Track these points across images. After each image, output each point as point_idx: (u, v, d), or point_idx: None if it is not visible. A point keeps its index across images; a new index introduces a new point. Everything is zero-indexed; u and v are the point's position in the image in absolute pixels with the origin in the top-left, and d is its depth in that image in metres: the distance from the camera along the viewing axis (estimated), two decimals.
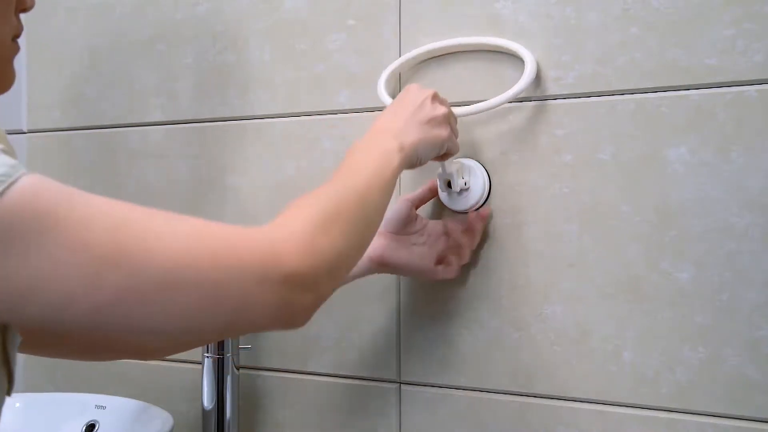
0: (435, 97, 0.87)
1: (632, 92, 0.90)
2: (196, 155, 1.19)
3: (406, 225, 0.94)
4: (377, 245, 0.92)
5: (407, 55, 1.02)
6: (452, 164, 0.95)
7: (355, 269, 0.88)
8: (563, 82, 0.94)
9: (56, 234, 0.49)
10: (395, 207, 0.94)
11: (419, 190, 0.99)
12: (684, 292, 0.88)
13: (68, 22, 1.29)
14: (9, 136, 1.33)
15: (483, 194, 0.97)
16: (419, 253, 0.94)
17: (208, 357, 1.05)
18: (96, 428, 1.08)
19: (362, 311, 1.06)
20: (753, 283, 0.85)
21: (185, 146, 1.19)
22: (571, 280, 0.94)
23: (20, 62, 1.28)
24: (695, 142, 0.87)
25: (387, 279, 1.05)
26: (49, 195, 0.50)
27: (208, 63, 1.18)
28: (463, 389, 1.01)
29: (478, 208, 0.98)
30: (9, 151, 0.50)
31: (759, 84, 0.84)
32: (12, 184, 0.48)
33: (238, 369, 1.07)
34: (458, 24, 1.00)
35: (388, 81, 1.01)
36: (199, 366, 1.07)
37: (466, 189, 0.97)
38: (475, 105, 0.94)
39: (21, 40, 0.70)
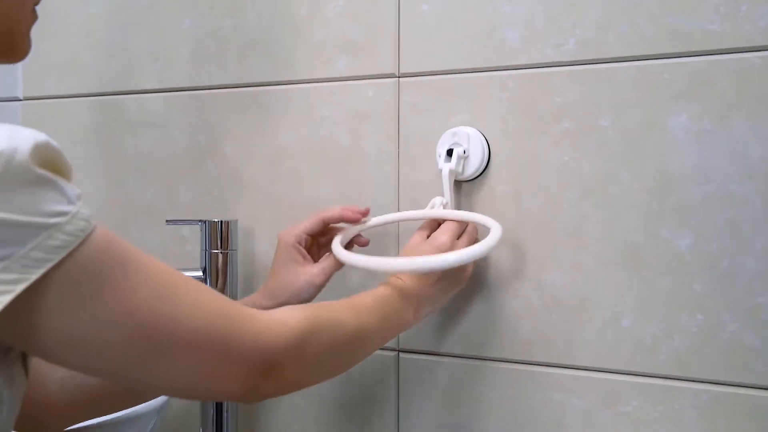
0: (470, 270, 0.93)
1: (633, 59, 0.89)
2: (193, 123, 1.18)
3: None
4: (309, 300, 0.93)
5: (376, 220, 0.98)
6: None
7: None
8: (563, 49, 0.93)
9: (108, 297, 0.52)
10: (305, 286, 0.92)
11: (320, 265, 0.93)
12: (683, 259, 0.88)
13: None
14: (5, 104, 1.33)
15: (482, 163, 0.97)
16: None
17: None
18: None
19: (361, 283, 1.06)
20: (752, 251, 0.85)
21: (182, 114, 1.19)
22: (570, 249, 0.94)
23: None
24: (696, 109, 0.87)
25: (386, 250, 1.05)
26: (112, 257, 0.53)
27: (205, 29, 1.16)
28: (462, 357, 1.01)
29: (476, 177, 0.98)
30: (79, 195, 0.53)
31: (762, 50, 0.84)
32: (87, 238, 0.51)
33: None
34: None
35: (343, 241, 0.95)
36: None
37: (465, 157, 0.97)
38: (446, 256, 0.82)
39: None
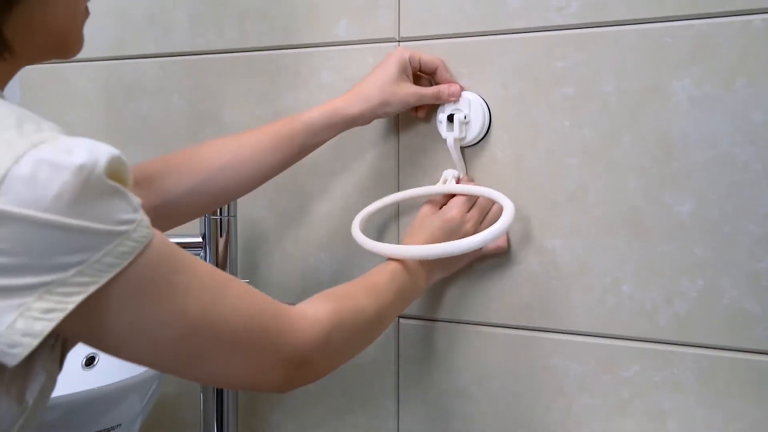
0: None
1: (636, 22, 0.88)
2: (191, 88, 1.17)
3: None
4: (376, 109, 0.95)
5: (387, 199, 1.00)
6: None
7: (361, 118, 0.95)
8: (566, 12, 0.92)
9: (165, 299, 0.56)
10: (397, 101, 0.94)
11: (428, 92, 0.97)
12: (684, 224, 0.88)
13: None
14: None
15: (483, 128, 0.96)
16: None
17: None
18: (96, 360, 1.10)
19: (361, 247, 1.06)
20: (754, 216, 0.85)
21: (181, 79, 1.18)
22: (571, 214, 0.93)
23: None
24: (699, 73, 0.86)
25: (385, 217, 1.04)
26: (168, 261, 0.57)
27: None
28: (462, 323, 1.01)
29: (477, 143, 0.97)
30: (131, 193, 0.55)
31: (767, 13, 0.82)
32: (148, 244, 0.54)
33: None
34: None
35: (362, 221, 0.98)
36: None
37: (466, 123, 0.96)
38: (458, 243, 0.84)
39: None
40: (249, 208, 1.12)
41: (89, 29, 0.74)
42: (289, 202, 1.11)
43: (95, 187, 0.50)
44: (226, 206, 1.05)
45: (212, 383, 0.65)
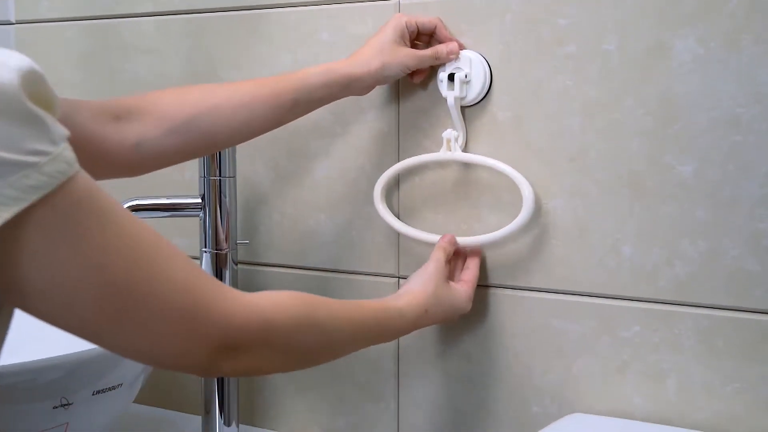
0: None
1: None
2: (189, 48, 1.16)
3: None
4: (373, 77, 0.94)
5: (405, 162, 1.01)
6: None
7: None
8: None
9: (82, 249, 0.50)
10: (396, 63, 0.94)
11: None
12: (686, 185, 0.87)
13: None
14: None
15: (483, 88, 0.95)
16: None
17: (206, 252, 1.05)
18: None
19: (361, 210, 1.06)
20: (756, 176, 0.84)
21: (178, 38, 1.16)
22: (572, 175, 0.93)
23: None
24: (704, 31, 0.85)
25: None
26: (90, 207, 0.51)
27: None
28: None
29: (478, 102, 0.96)
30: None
31: None
32: (66, 182, 0.48)
33: (236, 264, 1.07)
34: None
35: (384, 186, 1.01)
36: (198, 261, 1.07)
37: (467, 82, 0.95)
38: (480, 237, 0.97)
39: None
40: (248, 170, 1.12)
41: None
42: (288, 164, 1.10)
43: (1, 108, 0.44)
44: (226, 167, 1.04)
45: (131, 355, 0.60)
